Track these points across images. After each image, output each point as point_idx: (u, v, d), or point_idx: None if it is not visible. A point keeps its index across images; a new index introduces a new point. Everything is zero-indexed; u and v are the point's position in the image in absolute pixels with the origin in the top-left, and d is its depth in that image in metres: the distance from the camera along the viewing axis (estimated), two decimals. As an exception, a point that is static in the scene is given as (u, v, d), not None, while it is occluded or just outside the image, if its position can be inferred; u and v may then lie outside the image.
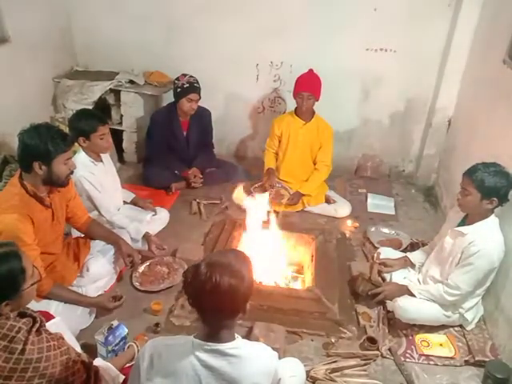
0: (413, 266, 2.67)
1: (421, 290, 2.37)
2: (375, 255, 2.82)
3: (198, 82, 3.41)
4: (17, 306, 1.40)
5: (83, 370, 1.52)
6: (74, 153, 2.38)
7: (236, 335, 1.41)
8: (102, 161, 2.78)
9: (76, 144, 2.46)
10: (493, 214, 2.25)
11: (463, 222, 2.35)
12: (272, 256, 2.80)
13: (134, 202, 3.11)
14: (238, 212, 3.25)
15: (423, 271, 2.57)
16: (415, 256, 2.69)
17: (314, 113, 3.37)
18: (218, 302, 1.30)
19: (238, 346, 1.37)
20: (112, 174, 2.94)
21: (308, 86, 3.20)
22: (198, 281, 1.30)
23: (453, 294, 2.28)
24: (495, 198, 2.15)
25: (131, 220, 2.84)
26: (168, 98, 3.64)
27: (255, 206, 2.79)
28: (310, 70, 3.25)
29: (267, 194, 3.09)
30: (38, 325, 1.41)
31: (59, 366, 1.40)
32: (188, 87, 3.36)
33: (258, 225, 2.78)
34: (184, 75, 3.41)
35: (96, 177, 2.67)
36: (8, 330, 1.33)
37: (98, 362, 1.72)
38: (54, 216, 2.21)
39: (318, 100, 3.27)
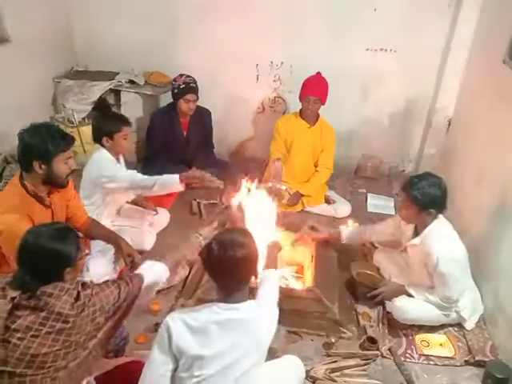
0: (342, 241, 2.77)
1: (419, 293, 2.37)
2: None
3: (194, 82, 3.39)
4: (73, 275, 1.60)
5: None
6: (75, 153, 2.38)
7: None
8: (120, 163, 2.80)
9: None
10: (437, 219, 2.27)
11: (416, 233, 2.38)
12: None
13: (134, 202, 3.12)
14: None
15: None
16: (348, 233, 2.78)
17: (318, 116, 3.35)
18: (233, 270, 1.59)
19: (249, 306, 1.65)
20: None
21: (316, 90, 3.15)
22: (214, 256, 1.58)
23: (448, 302, 2.30)
24: (432, 210, 2.20)
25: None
26: (168, 98, 3.64)
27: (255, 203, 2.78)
28: (318, 74, 3.20)
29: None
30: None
31: (112, 297, 1.65)
32: (184, 88, 3.34)
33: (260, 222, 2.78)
34: (181, 75, 3.40)
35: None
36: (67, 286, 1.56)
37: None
38: (54, 216, 2.21)
39: (323, 104, 3.22)
